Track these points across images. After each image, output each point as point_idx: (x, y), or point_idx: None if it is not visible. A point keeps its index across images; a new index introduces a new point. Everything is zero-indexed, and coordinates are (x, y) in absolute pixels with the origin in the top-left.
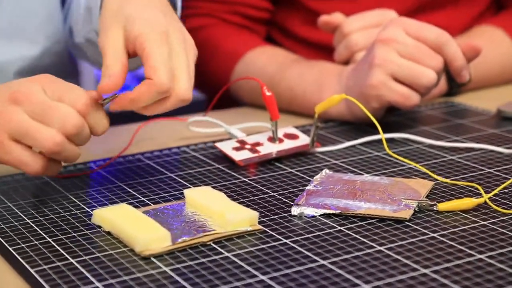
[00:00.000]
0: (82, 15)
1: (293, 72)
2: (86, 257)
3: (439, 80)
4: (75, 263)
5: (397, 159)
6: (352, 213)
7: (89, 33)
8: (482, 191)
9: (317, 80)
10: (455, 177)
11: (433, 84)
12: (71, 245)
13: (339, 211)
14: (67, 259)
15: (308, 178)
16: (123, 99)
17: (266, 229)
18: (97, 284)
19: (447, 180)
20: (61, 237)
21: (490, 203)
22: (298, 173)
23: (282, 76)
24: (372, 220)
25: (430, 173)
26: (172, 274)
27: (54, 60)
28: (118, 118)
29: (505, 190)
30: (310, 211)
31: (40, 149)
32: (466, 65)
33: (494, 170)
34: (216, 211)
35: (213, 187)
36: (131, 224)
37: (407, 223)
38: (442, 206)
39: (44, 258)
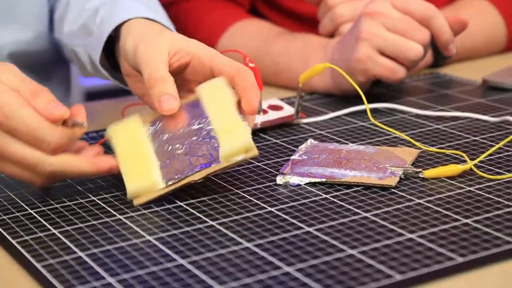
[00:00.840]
0: (74, 25)
1: (278, 46)
2: (95, 250)
3: (426, 53)
4: (84, 256)
5: (382, 128)
6: (338, 181)
7: (77, 47)
8: (467, 158)
9: (302, 53)
10: (441, 146)
11: (419, 57)
12: (78, 237)
13: (325, 180)
14: (75, 252)
15: (293, 148)
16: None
17: (251, 198)
18: (110, 279)
19: (433, 149)
20: (67, 228)
21: (475, 170)
22: (283, 143)
23: (267, 49)
24: (358, 188)
25: (414, 142)
26: (157, 243)
27: (47, 45)
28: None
29: (490, 157)
30: (295, 180)
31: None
32: (453, 38)
33: (480, 138)
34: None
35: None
36: (127, 161)
37: (393, 190)
38: (428, 173)
39: (50, 251)
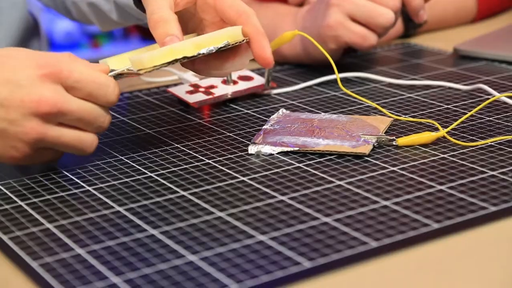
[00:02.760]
0: None
1: None
2: (95, 247)
3: (397, 20)
4: (82, 253)
5: (354, 98)
6: (311, 150)
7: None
8: (439, 126)
9: (271, 23)
10: (413, 114)
11: (391, 23)
12: (74, 232)
13: (297, 149)
14: (72, 248)
15: (264, 118)
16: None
17: (222, 168)
18: (113, 279)
19: (405, 118)
20: (62, 222)
21: (448, 137)
22: (254, 113)
23: None
24: (331, 157)
25: (386, 112)
26: (127, 213)
27: (15, 14)
28: None
29: (463, 125)
30: (267, 149)
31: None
32: (423, 4)
33: (453, 106)
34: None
35: (167, 130)
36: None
37: (366, 158)
38: (401, 140)
39: (46, 248)
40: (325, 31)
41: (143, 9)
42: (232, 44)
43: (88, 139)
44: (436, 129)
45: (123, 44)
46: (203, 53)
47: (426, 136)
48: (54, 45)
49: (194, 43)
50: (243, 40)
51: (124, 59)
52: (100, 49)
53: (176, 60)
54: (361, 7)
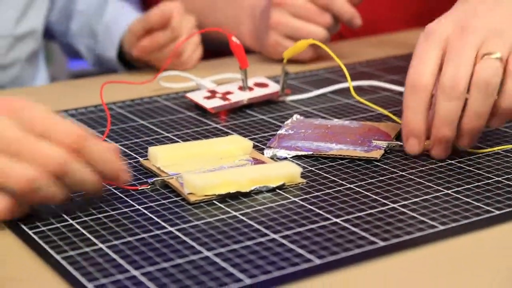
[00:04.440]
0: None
1: (217, 7)
2: (117, 242)
3: (332, 33)
4: (105, 248)
5: (366, 105)
6: (324, 154)
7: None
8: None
9: (234, 18)
10: None
11: (322, 39)
12: (97, 228)
13: (311, 153)
14: (95, 244)
15: (279, 124)
16: None
17: None
18: (134, 272)
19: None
20: (85, 219)
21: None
22: (269, 119)
23: (209, 11)
24: (343, 161)
25: (396, 119)
26: (146, 211)
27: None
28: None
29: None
30: (282, 153)
31: (11, 188)
32: (355, 13)
33: None
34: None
35: (185, 133)
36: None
37: (376, 163)
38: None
39: (69, 243)
40: (268, 49)
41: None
42: (287, 185)
43: None
44: None
45: None
46: (256, 189)
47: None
48: None
49: (250, 178)
50: (299, 183)
51: (172, 152)
52: None
53: (228, 193)
54: (295, 28)
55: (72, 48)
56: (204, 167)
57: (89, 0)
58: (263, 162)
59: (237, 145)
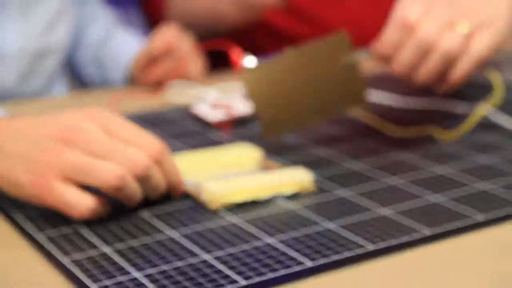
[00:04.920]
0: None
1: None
2: (121, 246)
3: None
4: (108, 252)
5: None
6: None
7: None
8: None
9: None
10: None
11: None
12: (103, 231)
13: None
14: (98, 248)
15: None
16: None
17: None
18: (135, 273)
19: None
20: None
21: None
22: None
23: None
24: (350, 165)
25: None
26: (148, 217)
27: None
28: None
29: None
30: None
31: (100, 186)
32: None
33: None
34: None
35: (189, 145)
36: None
37: (366, 174)
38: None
39: (75, 248)
40: None
41: None
42: (297, 192)
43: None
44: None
45: None
46: (272, 197)
47: None
48: None
49: (267, 187)
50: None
51: (185, 160)
52: None
53: (245, 201)
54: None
55: (81, 78)
56: (217, 174)
57: (97, 31)
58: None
59: (247, 153)
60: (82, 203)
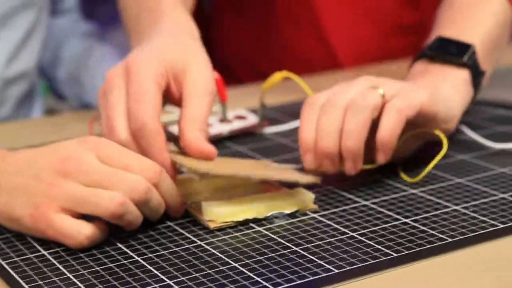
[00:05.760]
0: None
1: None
2: (85, 271)
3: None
4: (73, 278)
5: None
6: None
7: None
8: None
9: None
10: None
11: None
12: (67, 258)
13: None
14: (65, 274)
15: (257, 155)
16: None
17: None
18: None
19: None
20: (57, 249)
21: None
22: (247, 151)
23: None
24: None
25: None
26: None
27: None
28: None
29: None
30: None
31: (101, 215)
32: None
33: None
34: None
35: None
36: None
37: (390, 182)
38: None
39: (40, 273)
40: None
41: None
42: (301, 211)
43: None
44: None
45: None
46: (272, 216)
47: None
48: None
49: (266, 205)
50: (314, 209)
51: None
52: None
53: (246, 220)
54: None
55: (58, 92)
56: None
57: (75, 47)
58: (272, 185)
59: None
60: (81, 233)
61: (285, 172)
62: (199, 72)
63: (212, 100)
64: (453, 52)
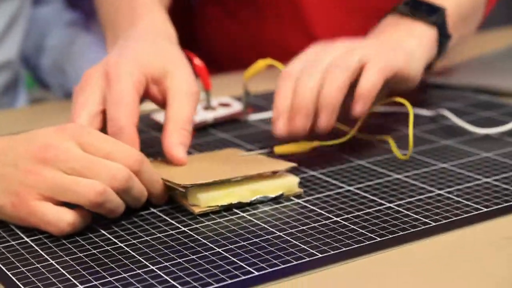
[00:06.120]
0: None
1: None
2: (68, 258)
3: None
4: (56, 264)
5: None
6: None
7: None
8: (391, 142)
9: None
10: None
11: None
12: (50, 245)
13: None
14: (48, 260)
15: (241, 142)
16: None
17: None
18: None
19: (366, 136)
20: (40, 236)
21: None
22: (232, 138)
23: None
24: (341, 166)
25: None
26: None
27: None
28: None
29: (423, 148)
30: None
31: (81, 203)
32: None
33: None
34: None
35: (150, 153)
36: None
37: (374, 167)
38: (278, 149)
39: (22, 260)
40: None
41: None
42: (285, 195)
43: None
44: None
45: None
46: (256, 200)
47: (302, 145)
48: None
49: (250, 189)
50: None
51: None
52: None
53: (230, 204)
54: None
55: (43, 82)
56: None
57: (58, 36)
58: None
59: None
60: (63, 220)
61: (262, 163)
62: (181, 75)
63: (197, 101)
64: (424, 10)
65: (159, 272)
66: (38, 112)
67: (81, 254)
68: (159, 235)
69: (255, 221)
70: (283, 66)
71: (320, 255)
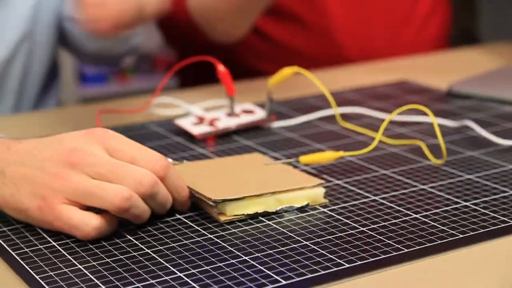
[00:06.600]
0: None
1: None
2: (95, 263)
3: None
4: (83, 269)
5: (351, 130)
6: None
7: None
8: (423, 145)
9: None
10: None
11: None
12: (77, 249)
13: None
14: (75, 265)
15: (264, 149)
16: None
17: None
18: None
19: (393, 141)
20: (67, 240)
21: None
22: (255, 145)
23: None
24: (365, 177)
25: (389, 141)
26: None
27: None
28: None
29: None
30: None
31: (106, 208)
32: None
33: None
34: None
35: (173, 159)
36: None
37: (400, 177)
38: (303, 159)
39: (50, 264)
40: None
41: None
42: (310, 205)
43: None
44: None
45: (149, 77)
46: (282, 209)
47: (327, 156)
48: (84, 78)
49: (276, 198)
50: (324, 203)
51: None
52: (128, 82)
53: (256, 213)
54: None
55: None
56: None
57: None
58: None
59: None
60: (88, 224)
61: (289, 176)
62: None
63: None
64: None
65: (186, 279)
66: (65, 115)
67: (108, 260)
68: (185, 241)
69: (281, 229)
70: (310, 73)
71: (348, 265)
